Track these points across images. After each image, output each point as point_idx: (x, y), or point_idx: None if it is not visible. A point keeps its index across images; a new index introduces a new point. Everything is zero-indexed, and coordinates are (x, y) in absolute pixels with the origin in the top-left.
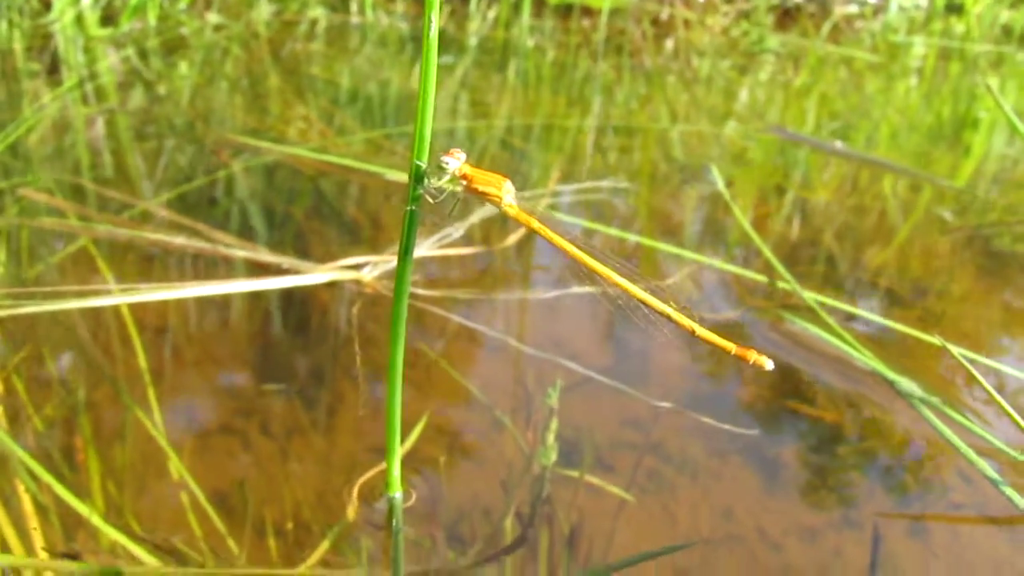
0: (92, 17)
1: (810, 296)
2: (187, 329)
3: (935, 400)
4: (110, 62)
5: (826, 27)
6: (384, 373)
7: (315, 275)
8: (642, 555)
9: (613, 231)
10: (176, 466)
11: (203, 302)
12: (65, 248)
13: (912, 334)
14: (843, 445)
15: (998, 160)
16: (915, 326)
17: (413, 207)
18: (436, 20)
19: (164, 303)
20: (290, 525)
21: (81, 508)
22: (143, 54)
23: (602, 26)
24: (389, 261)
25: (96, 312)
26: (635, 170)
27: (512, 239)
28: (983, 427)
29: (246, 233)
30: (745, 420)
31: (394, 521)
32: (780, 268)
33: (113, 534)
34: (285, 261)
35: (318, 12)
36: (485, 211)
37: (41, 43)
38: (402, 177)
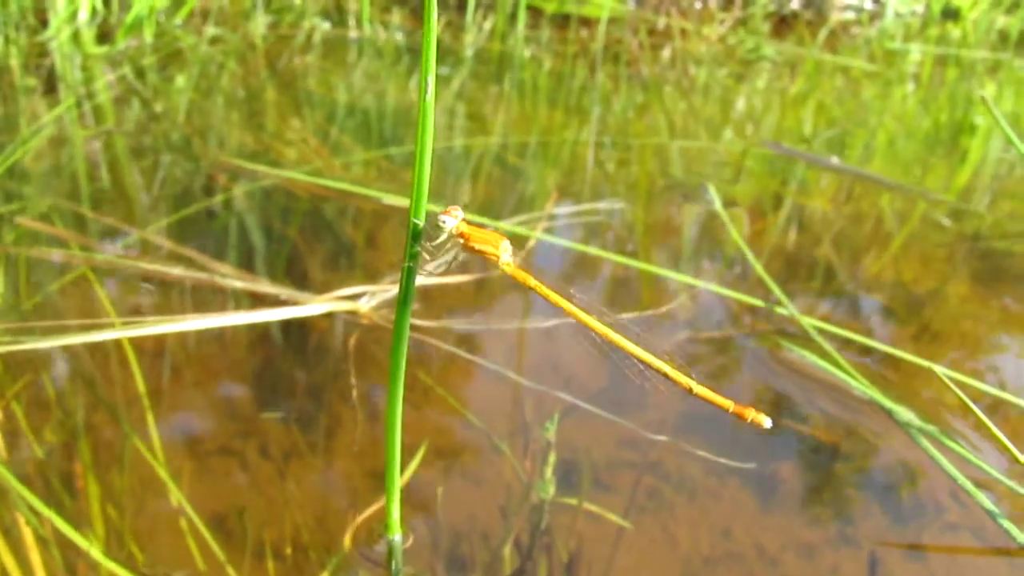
0: (89, 34)
1: (807, 322)
2: (182, 355)
3: (932, 429)
4: (107, 80)
5: (822, 34)
6: (382, 406)
7: (312, 306)
8: None
9: (611, 255)
10: (175, 494)
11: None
12: (63, 276)
13: (909, 356)
14: (839, 463)
15: (994, 165)
16: (911, 345)
17: (410, 264)
18: (432, 84)
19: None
20: (288, 551)
21: (80, 540)
22: (140, 71)
23: (599, 36)
24: (387, 290)
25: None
26: (633, 182)
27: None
28: (977, 454)
29: (243, 260)
30: (739, 452)
31: (394, 563)
32: (776, 290)
33: (112, 566)
34: (283, 292)
35: (315, 23)
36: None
37: (38, 60)
38: (401, 201)
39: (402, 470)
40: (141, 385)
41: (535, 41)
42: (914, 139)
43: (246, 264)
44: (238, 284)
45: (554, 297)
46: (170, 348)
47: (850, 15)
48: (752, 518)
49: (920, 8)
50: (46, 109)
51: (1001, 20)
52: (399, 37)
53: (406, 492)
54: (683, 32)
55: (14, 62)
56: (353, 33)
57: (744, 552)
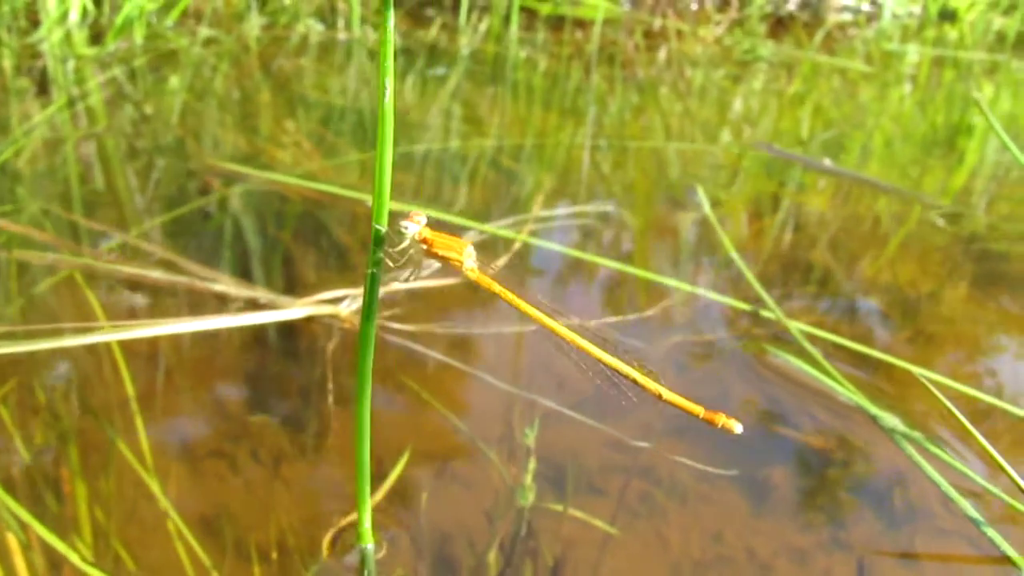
0: (80, 36)
1: (795, 326)
2: (154, 358)
3: (917, 435)
4: (98, 81)
5: (819, 35)
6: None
7: (292, 310)
8: None
9: (595, 258)
10: (161, 498)
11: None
12: (48, 279)
13: (902, 360)
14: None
15: (992, 167)
16: (904, 349)
17: (374, 270)
18: (391, 86)
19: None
20: (273, 555)
21: (63, 547)
22: (131, 73)
23: (594, 37)
24: None
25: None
26: (628, 185)
27: (501, 261)
28: (963, 462)
29: (230, 264)
30: (723, 459)
31: (366, 573)
32: (765, 296)
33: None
34: (262, 296)
35: (309, 24)
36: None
37: (30, 62)
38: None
39: (386, 475)
40: (129, 388)
41: (530, 43)
42: (911, 141)
43: (233, 268)
44: (217, 288)
45: (520, 304)
46: (144, 351)
47: (847, 16)
48: (743, 520)
49: (917, 9)
50: (38, 110)
51: (998, 22)
52: (394, 39)
53: (388, 496)
54: (679, 33)
55: (6, 63)
56: (342, 35)
57: (735, 555)
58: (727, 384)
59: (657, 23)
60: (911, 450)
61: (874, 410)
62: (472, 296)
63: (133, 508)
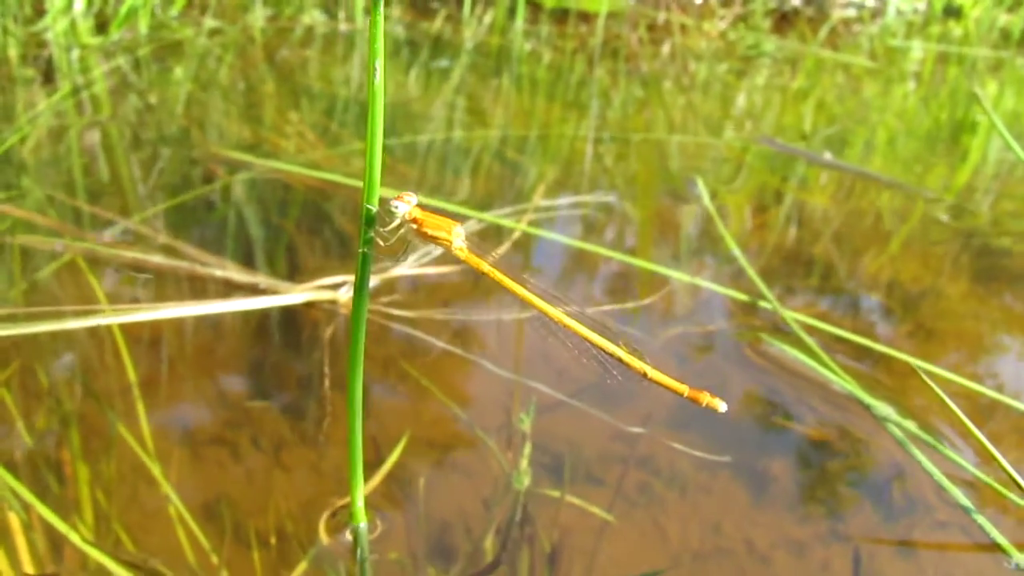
0: (85, 25)
1: (790, 316)
2: (156, 342)
3: (909, 425)
4: (103, 70)
5: (824, 31)
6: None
7: (291, 296)
8: None
9: (594, 247)
10: (162, 482)
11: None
12: (50, 264)
13: (903, 354)
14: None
15: (996, 164)
16: (905, 343)
17: (365, 250)
18: (381, 68)
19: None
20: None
21: (64, 527)
22: (135, 63)
23: (598, 31)
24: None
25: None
26: (631, 176)
27: (502, 249)
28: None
29: (233, 250)
30: (718, 446)
31: (359, 551)
32: (764, 289)
33: (96, 555)
34: (263, 281)
35: (314, 15)
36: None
37: (36, 51)
38: (393, 193)
39: (383, 459)
40: (130, 372)
41: (534, 35)
42: (915, 137)
43: (236, 255)
44: (218, 273)
45: (508, 283)
46: (146, 337)
47: (851, 12)
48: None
49: (922, 6)
50: (43, 98)
51: (1003, 18)
52: (399, 30)
53: (385, 480)
54: (683, 28)
55: (12, 52)
56: (345, 26)
57: (733, 547)
58: (725, 374)
59: (661, 17)
60: (902, 437)
61: (868, 399)
62: (472, 286)
63: (134, 491)
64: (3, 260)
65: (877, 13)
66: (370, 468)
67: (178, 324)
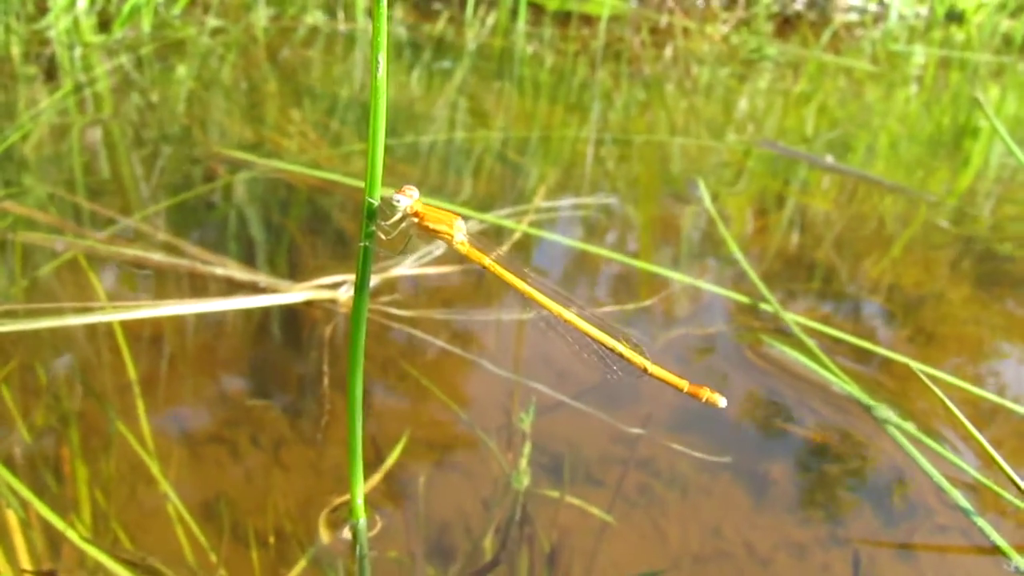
0: (88, 23)
1: (790, 318)
2: (158, 340)
3: (909, 426)
4: (105, 68)
5: (826, 35)
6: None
7: (291, 294)
8: None
9: (591, 248)
10: (161, 481)
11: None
12: (52, 261)
13: (901, 356)
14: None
15: (997, 169)
16: (906, 347)
17: (367, 243)
18: (384, 62)
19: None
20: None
21: (62, 525)
22: (138, 61)
23: (601, 33)
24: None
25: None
26: (632, 179)
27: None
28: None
29: (235, 249)
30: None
31: (358, 548)
32: (766, 292)
33: (94, 553)
34: (263, 280)
35: (316, 16)
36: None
37: (39, 48)
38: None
39: (382, 459)
40: (130, 370)
41: (536, 38)
42: (917, 142)
43: (236, 253)
44: (219, 271)
45: (509, 277)
46: (146, 335)
47: (854, 16)
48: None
49: (924, 10)
50: (45, 96)
51: (1005, 23)
52: (401, 32)
53: (385, 479)
54: (685, 31)
55: (14, 50)
56: (346, 26)
57: (733, 550)
58: (727, 376)
59: (664, 20)
60: (903, 439)
61: (869, 402)
62: (473, 286)
63: (132, 489)
64: (4, 257)
65: (879, 18)
66: (369, 467)
67: (178, 322)
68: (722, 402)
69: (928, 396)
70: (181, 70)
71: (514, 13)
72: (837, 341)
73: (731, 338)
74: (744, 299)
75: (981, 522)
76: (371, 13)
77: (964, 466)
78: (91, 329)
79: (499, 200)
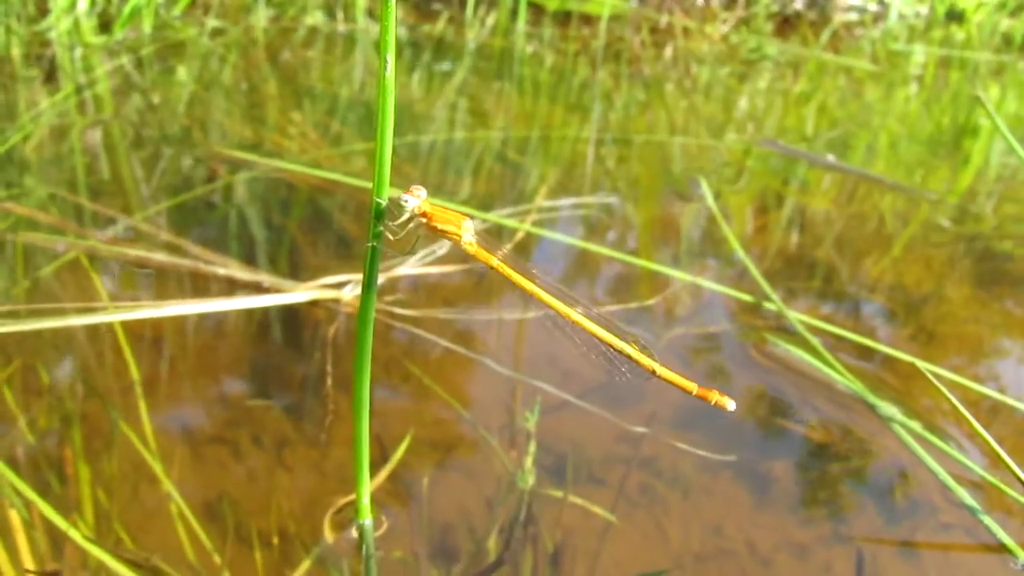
0: (88, 25)
1: (794, 316)
2: (160, 340)
3: (914, 425)
4: (106, 70)
5: (826, 35)
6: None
7: (294, 294)
8: None
9: (590, 246)
10: (164, 481)
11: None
12: (53, 262)
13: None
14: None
15: (998, 168)
16: (907, 346)
17: (374, 243)
18: (392, 61)
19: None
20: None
21: (65, 525)
22: (138, 62)
23: (601, 33)
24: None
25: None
26: (633, 178)
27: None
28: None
29: (237, 249)
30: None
31: (364, 547)
32: (768, 290)
33: (97, 553)
34: (266, 280)
35: (316, 17)
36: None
37: (39, 50)
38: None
39: (387, 458)
40: (132, 370)
41: (536, 38)
42: (917, 141)
43: (238, 253)
44: (221, 271)
45: (517, 278)
46: (148, 335)
47: (854, 16)
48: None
49: (924, 10)
50: (46, 97)
51: (1005, 23)
52: (402, 32)
53: (390, 479)
54: (685, 30)
55: (15, 51)
56: (346, 27)
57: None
58: (730, 374)
59: (664, 20)
60: (907, 437)
61: (873, 399)
62: (476, 285)
63: (135, 489)
64: (5, 257)
65: (879, 17)
66: (374, 467)
67: (181, 322)
68: (731, 405)
69: (931, 393)
70: (181, 71)
71: (514, 13)
72: (839, 339)
73: (734, 336)
74: (746, 297)
75: (987, 520)
76: (373, 14)
77: (969, 464)
78: (93, 329)
79: (499, 200)
